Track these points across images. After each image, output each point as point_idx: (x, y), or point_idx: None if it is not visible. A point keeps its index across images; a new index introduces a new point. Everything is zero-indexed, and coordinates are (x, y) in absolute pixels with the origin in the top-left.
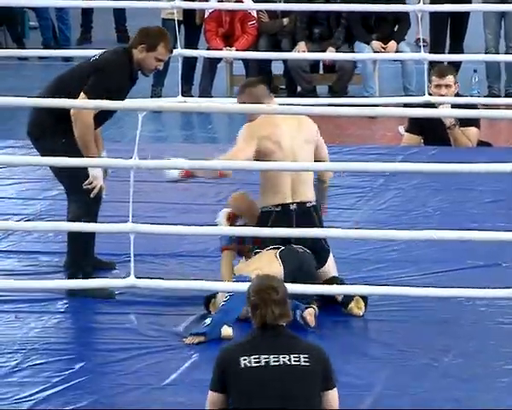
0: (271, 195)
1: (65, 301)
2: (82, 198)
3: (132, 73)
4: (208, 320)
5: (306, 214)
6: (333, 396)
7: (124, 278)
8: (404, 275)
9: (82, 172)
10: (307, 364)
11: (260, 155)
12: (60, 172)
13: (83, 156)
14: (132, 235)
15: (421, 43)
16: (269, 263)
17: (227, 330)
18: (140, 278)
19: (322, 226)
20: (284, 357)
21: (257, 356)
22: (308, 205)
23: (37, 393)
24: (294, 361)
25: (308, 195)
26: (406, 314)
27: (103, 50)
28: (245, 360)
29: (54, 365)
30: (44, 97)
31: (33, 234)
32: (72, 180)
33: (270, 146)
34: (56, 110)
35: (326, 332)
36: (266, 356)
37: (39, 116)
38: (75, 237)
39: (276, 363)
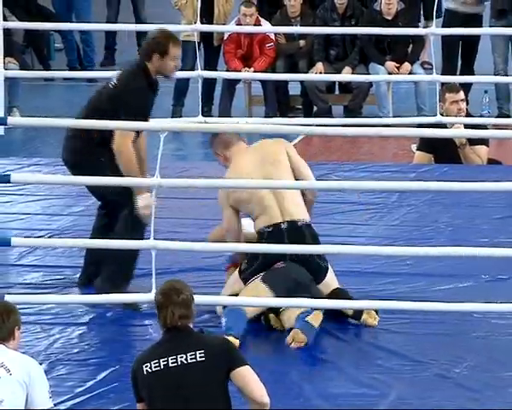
0: (263, 218)
1: (88, 314)
2: (128, 219)
3: (153, 86)
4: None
5: (298, 232)
6: (243, 372)
7: (146, 293)
8: (416, 289)
9: (129, 192)
10: (202, 358)
11: (240, 205)
12: (106, 192)
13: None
14: (154, 251)
15: (426, 66)
16: (256, 292)
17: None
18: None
19: (317, 243)
20: (181, 357)
21: (156, 361)
22: (299, 223)
23: (61, 403)
24: (191, 359)
25: (299, 213)
26: (419, 326)
27: (119, 72)
28: (147, 366)
29: (77, 375)
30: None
31: (58, 249)
32: (119, 200)
33: (245, 197)
34: (91, 136)
35: (339, 344)
36: (165, 359)
37: (74, 143)
38: (114, 256)
39: (174, 364)
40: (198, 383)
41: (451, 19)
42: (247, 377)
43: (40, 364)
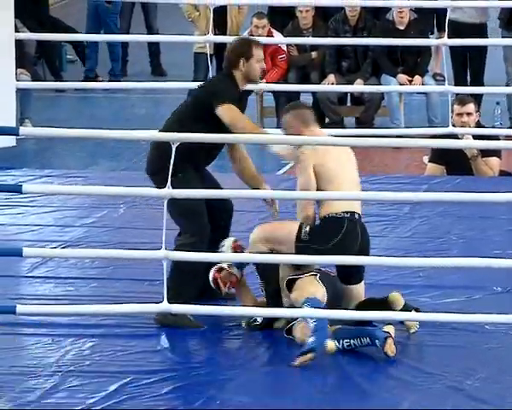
0: (341, 203)
1: (100, 326)
2: (193, 232)
3: (240, 95)
4: (312, 339)
5: (363, 225)
6: None
7: (158, 303)
8: (429, 300)
9: (195, 208)
10: None
11: (320, 175)
12: (173, 208)
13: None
14: (165, 261)
15: (438, 77)
16: (314, 286)
17: (331, 344)
18: (173, 302)
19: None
20: None
21: None
22: (360, 217)
23: None
24: None
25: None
26: (431, 338)
27: (202, 83)
28: None
29: (89, 386)
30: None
31: (70, 260)
32: (184, 216)
33: (330, 171)
34: (178, 148)
35: (352, 355)
36: None
37: (157, 154)
38: (181, 268)
39: None
40: None
41: (456, 30)
42: None
43: (51, 376)
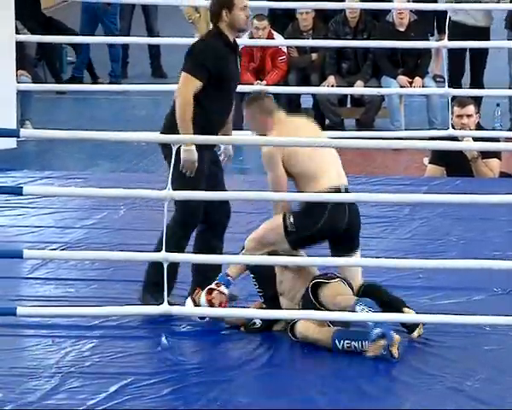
0: (323, 180)
1: (100, 327)
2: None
3: (230, 45)
4: (377, 330)
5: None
6: None
7: (157, 305)
8: (429, 301)
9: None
10: None
11: (293, 161)
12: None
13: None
14: (165, 263)
15: (438, 79)
16: (347, 289)
17: (396, 336)
18: (173, 304)
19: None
20: None
21: None
22: (347, 189)
23: None
24: None
25: (346, 180)
26: (431, 339)
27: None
28: None
29: (89, 388)
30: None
31: (70, 262)
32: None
33: (304, 152)
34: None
35: (352, 355)
36: None
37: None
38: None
39: None
40: None
41: (458, 32)
42: None
43: (52, 377)
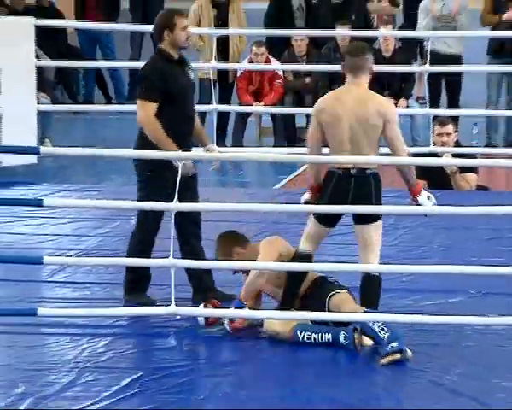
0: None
1: (113, 326)
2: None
3: (173, 61)
4: (395, 344)
5: (365, 179)
6: None
7: (166, 306)
8: (411, 303)
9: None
10: None
11: (326, 128)
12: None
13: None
14: (173, 269)
15: (421, 101)
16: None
17: (409, 353)
18: (180, 306)
19: (378, 194)
20: None
21: None
22: (368, 172)
23: (88, 406)
24: None
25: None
26: (413, 337)
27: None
28: None
29: (103, 381)
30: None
31: (86, 267)
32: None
33: (328, 119)
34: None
35: (337, 352)
36: None
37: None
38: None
39: None
40: None
41: (435, 58)
42: None
43: (69, 371)
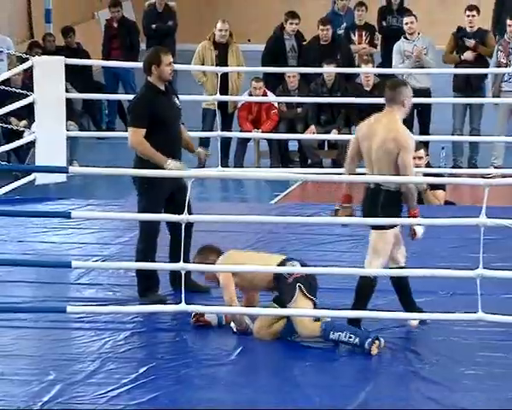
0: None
1: (132, 322)
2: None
3: (159, 91)
4: (370, 338)
5: (376, 193)
6: None
7: (177, 304)
8: (389, 302)
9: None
10: None
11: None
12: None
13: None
14: (183, 272)
15: None
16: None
17: (383, 341)
18: (190, 304)
19: (387, 208)
20: None
21: None
22: (382, 188)
23: (110, 391)
24: None
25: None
26: (390, 332)
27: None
28: None
29: (123, 369)
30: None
31: (108, 270)
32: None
33: (361, 136)
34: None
35: (324, 344)
36: None
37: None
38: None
39: None
40: None
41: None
42: None
43: (93, 361)
